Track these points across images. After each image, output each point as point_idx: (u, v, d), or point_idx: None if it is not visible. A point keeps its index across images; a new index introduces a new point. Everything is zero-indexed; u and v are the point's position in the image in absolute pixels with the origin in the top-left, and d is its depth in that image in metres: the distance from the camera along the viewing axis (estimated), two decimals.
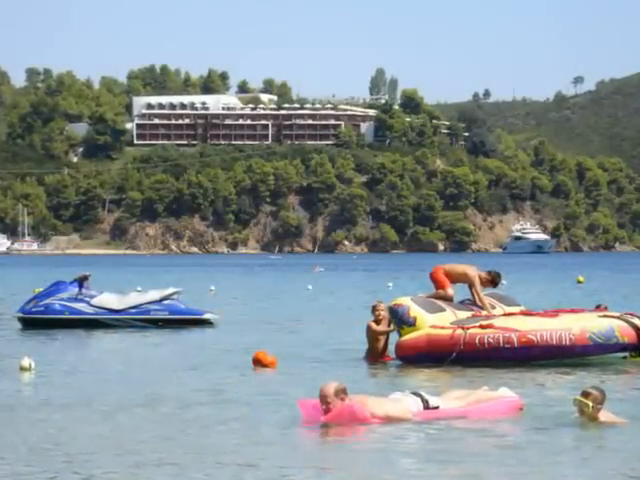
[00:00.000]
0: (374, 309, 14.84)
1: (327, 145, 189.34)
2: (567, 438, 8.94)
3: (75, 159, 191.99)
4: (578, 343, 13.91)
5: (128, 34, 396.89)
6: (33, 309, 21.02)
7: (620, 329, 14.03)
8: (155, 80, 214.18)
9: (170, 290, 21.69)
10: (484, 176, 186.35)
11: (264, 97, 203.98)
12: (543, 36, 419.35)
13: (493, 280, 15.36)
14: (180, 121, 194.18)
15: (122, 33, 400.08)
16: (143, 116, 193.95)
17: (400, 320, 14.29)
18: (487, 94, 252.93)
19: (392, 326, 14.61)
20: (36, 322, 20.83)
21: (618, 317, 14.34)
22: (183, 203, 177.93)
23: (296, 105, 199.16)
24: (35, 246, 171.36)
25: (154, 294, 21.48)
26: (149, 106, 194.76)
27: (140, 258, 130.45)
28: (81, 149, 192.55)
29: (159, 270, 70.91)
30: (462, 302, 15.26)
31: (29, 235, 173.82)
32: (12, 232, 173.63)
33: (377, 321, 14.71)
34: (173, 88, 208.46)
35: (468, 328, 14.02)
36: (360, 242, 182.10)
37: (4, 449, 8.36)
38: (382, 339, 14.83)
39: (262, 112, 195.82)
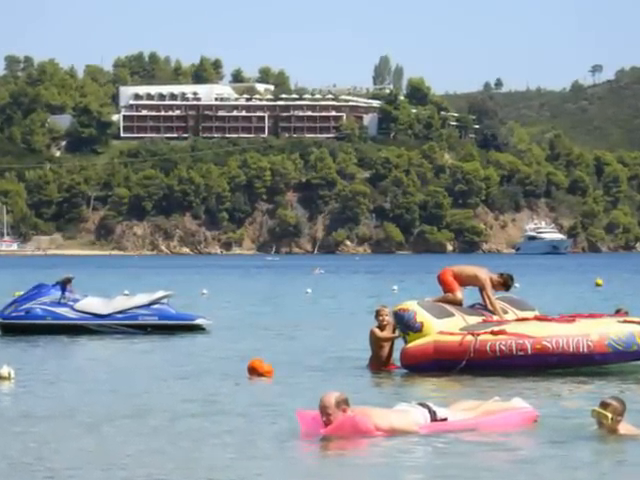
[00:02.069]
0: (378, 314, 14.84)
1: (328, 138, 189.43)
2: (584, 452, 8.94)
3: (58, 153, 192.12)
4: (596, 350, 13.92)
5: (114, 19, 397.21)
6: (13, 314, 21.03)
7: None
8: (143, 69, 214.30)
9: (159, 294, 21.70)
10: (496, 171, 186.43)
11: (260, 87, 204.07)
12: (559, 21, 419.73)
13: (505, 283, 15.37)
14: (170, 112, 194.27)
15: (108, 18, 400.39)
16: (130, 107, 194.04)
17: (406, 326, 14.30)
18: (499, 84, 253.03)
19: (397, 332, 14.61)
20: (16, 328, 20.84)
21: (639, 322, 14.35)
22: (173, 200, 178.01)
23: (294, 95, 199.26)
24: (15, 246, 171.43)
25: (142, 298, 21.50)
26: (137, 96, 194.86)
27: (127, 259, 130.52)
28: (64, 143, 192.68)
29: (148, 272, 70.92)
30: (472, 306, 15.27)
31: (8, 235, 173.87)
32: None
33: (381, 327, 14.71)
34: (162, 77, 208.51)
35: (479, 334, 14.03)
36: (363, 242, 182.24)
37: None
38: (386, 346, 14.84)
39: (258, 103, 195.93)
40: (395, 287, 39.93)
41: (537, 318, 14.88)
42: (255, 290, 42.16)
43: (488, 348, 13.93)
